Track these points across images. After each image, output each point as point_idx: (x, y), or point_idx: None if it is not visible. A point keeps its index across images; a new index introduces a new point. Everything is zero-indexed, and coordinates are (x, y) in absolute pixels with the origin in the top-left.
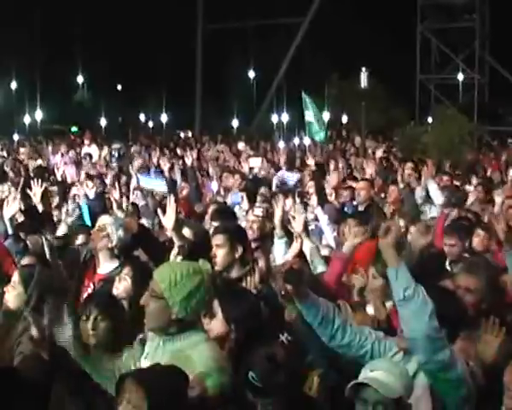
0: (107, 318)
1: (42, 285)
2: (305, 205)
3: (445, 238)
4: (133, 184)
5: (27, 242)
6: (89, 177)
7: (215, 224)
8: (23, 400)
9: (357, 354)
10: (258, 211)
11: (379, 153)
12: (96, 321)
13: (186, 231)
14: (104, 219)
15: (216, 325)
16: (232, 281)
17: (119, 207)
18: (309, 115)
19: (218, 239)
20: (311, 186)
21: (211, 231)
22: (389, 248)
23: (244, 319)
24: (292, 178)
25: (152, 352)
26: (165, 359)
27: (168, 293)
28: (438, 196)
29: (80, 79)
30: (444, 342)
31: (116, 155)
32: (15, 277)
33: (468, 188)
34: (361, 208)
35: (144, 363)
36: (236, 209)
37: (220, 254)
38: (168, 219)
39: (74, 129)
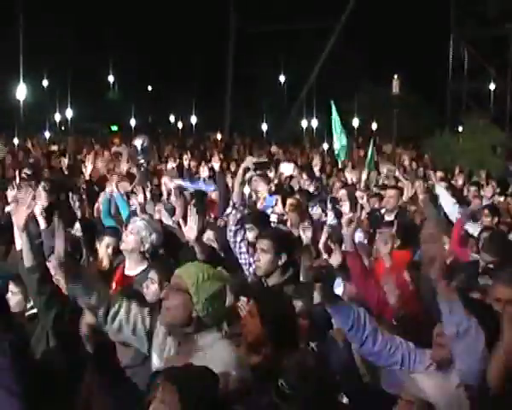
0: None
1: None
2: (338, 212)
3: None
4: (172, 185)
5: None
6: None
7: (249, 226)
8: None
9: (387, 363)
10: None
11: (406, 161)
12: None
13: (210, 234)
14: (137, 223)
15: (253, 327)
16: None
17: (143, 210)
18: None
19: (263, 244)
20: (343, 194)
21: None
22: (442, 281)
23: (282, 321)
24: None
25: (165, 353)
26: (181, 359)
27: (194, 289)
28: (448, 202)
29: (111, 79)
30: None
31: (139, 148)
32: None
33: (498, 198)
34: (388, 217)
35: (156, 361)
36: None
37: (264, 259)
38: (191, 231)
39: (114, 128)
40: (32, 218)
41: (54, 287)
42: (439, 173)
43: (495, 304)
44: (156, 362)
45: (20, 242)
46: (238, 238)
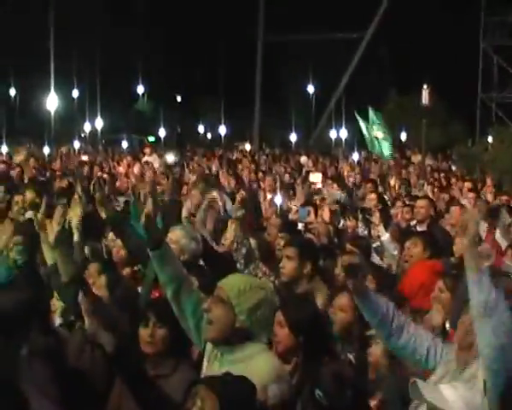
0: (164, 325)
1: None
2: (368, 222)
3: None
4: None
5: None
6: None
7: (282, 236)
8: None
9: (413, 358)
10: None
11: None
12: (154, 328)
13: (252, 242)
14: (177, 232)
15: (282, 336)
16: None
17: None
18: (377, 130)
19: (289, 251)
20: (374, 205)
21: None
22: (473, 247)
23: (311, 329)
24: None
25: (210, 362)
26: (222, 370)
27: (236, 300)
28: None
29: (141, 90)
30: None
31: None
32: None
33: None
34: (420, 228)
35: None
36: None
37: (289, 266)
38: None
39: (152, 139)
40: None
41: (94, 297)
42: (468, 184)
43: None
44: (205, 369)
45: (51, 255)
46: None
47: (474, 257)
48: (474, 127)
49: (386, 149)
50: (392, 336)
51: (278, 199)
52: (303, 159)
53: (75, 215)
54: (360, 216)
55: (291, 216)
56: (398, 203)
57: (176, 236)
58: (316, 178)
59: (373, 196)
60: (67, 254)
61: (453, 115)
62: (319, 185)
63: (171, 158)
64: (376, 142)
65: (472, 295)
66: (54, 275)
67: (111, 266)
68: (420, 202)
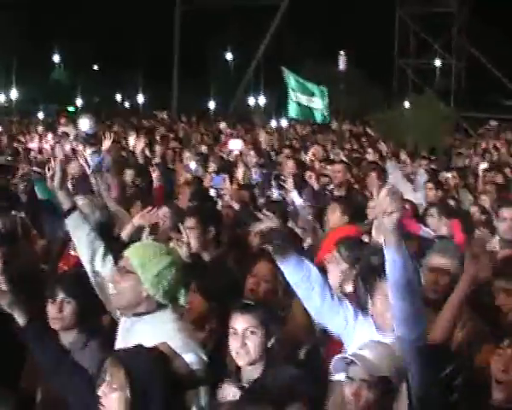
0: (73, 299)
1: None
2: (282, 188)
3: None
4: None
5: None
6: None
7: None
8: None
9: (331, 324)
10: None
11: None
12: (61, 303)
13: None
14: (80, 202)
15: (194, 303)
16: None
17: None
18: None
19: (189, 222)
20: (289, 168)
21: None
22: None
23: (222, 294)
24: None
25: (123, 334)
26: (134, 341)
27: (141, 269)
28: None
29: (57, 59)
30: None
31: (86, 132)
32: None
33: (446, 174)
34: (338, 192)
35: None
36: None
37: (193, 236)
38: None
39: (71, 109)
40: None
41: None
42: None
43: (428, 274)
44: (118, 341)
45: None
46: None
47: (393, 234)
48: (390, 93)
49: (317, 113)
50: (313, 298)
51: (193, 165)
52: (222, 125)
53: None
54: (274, 182)
55: (205, 184)
56: (314, 167)
57: (79, 206)
58: (235, 144)
59: (289, 162)
60: None
61: (370, 82)
62: (236, 152)
63: (85, 125)
64: (305, 107)
65: (389, 269)
66: None
67: (8, 239)
68: (336, 167)
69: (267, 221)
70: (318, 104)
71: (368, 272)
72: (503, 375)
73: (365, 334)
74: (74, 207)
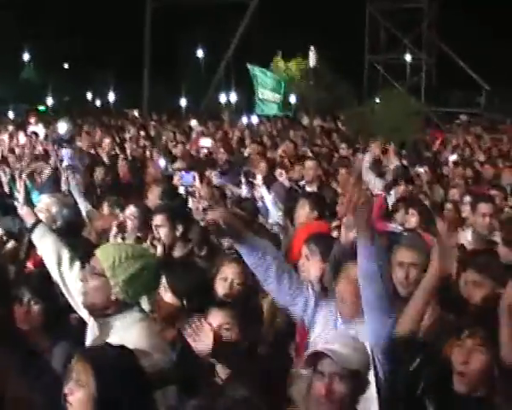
0: (40, 300)
1: None
2: (251, 184)
3: None
4: None
5: None
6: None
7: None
8: None
9: (292, 306)
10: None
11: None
12: (29, 304)
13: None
14: (47, 200)
15: (165, 300)
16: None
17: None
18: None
19: (157, 220)
20: (257, 166)
21: None
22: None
23: (192, 291)
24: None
25: (91, 335)
26: (102, 341)
27: (111, 272)
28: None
29: (27, 57)
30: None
31: (62, 135)
32: None
33: (418, 169)
34: (309, 188)
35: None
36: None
37: (161, 233)
38: None
39: (42, 108)
40: None
41: None
42: None
43: (398, 269)
44: (87, 340)
45: None
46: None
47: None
48: (361, 89)
49: (273, 109)
50: (270, 280)
51: (162, 162)
52: (193, 123)
53: None
54: (243, 179)
55: (175, 181)
56: (284, 164)
57: (46, 204)
58: (206, 142)
59: (262, 163)
60: None
61: (340, 77)
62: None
63: (63, 128)
64: (265, 103)
65: (360, 260)
66: None
67: None
68: (308, 163)
69: (211, 213)
70: (278, 98)
71: (335, 259)
72: (462, 367)
73: (327, 319)
74: (38, 221)
